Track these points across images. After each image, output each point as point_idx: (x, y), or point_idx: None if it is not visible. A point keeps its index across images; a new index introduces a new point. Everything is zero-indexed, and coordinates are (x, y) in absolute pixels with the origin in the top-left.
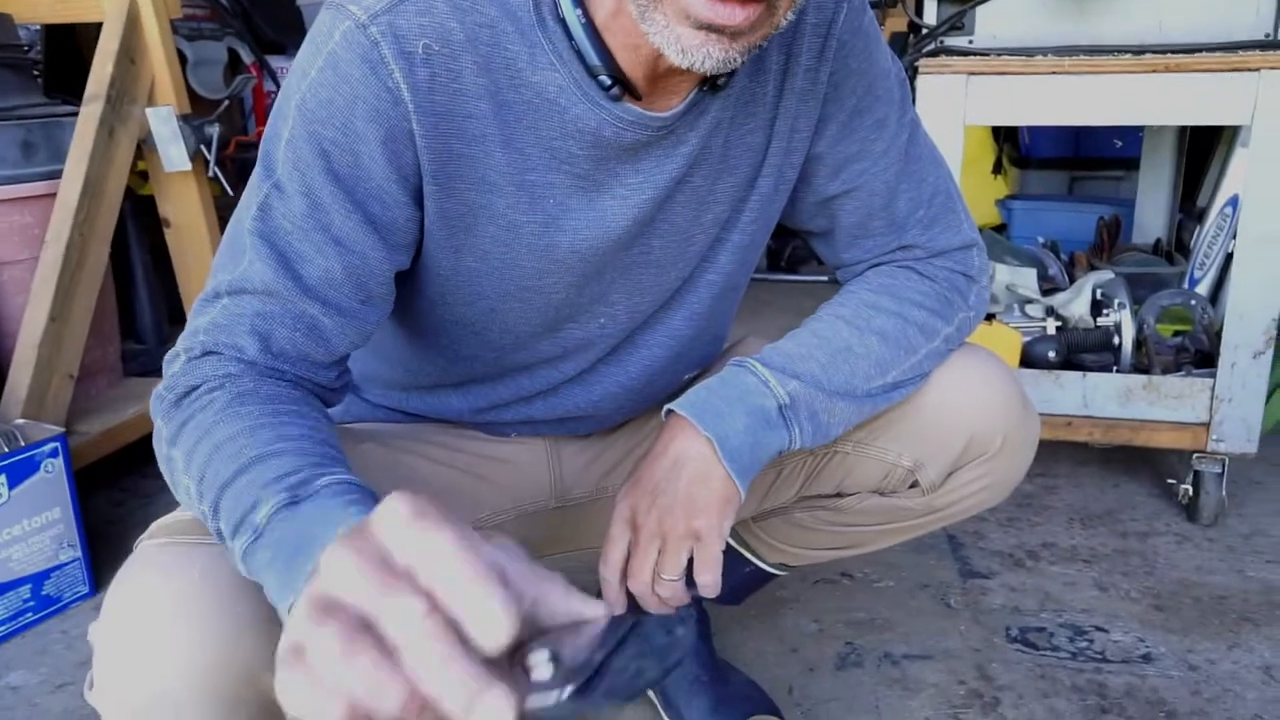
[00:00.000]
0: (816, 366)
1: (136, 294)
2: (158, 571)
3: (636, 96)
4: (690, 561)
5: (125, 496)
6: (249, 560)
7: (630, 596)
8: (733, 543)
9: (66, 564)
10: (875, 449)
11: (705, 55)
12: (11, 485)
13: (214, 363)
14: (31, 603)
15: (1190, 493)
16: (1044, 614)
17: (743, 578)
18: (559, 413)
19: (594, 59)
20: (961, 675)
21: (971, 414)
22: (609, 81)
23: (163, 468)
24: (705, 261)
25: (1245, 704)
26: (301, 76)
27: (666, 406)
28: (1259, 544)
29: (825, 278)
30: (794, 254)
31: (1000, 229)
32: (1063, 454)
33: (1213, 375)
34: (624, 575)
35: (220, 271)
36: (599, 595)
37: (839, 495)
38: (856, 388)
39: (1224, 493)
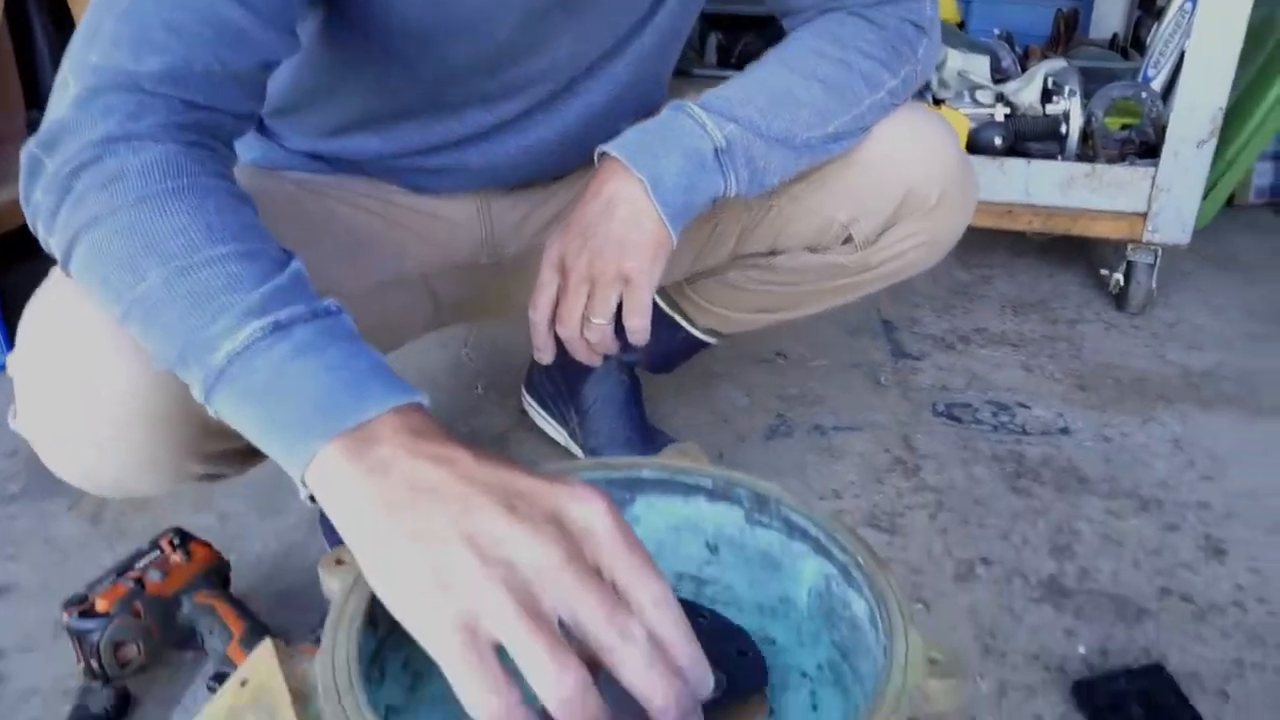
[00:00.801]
0: (755, 111)
1: (38, 59)
2: (75, 295)
3: None
4: (619, 310)
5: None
6: (219, 391)
7: (560, 346)
8: (664, 305)
9: None
10: (811, 203)
11: None
12: None
13: (112, 108)
14: None
15: (1121, 282)
16: (970, 391)
17: (673, 343)
18: (490, 159)
19: None
20: (887, 445)
21: (910, 167)
22: None
23: (58, 253)
24: (652, 9)
25: (1153, 471)
26: None
27: (600, 148)
28: (1182, 331)
29: None
30: (745, 50)
31: (960, 26)
32: (1000, 246)
33: (1155, 165)
34: (552, 320)
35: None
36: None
37: (772, 254)
38: (795, 136)
39: (1154, 283)
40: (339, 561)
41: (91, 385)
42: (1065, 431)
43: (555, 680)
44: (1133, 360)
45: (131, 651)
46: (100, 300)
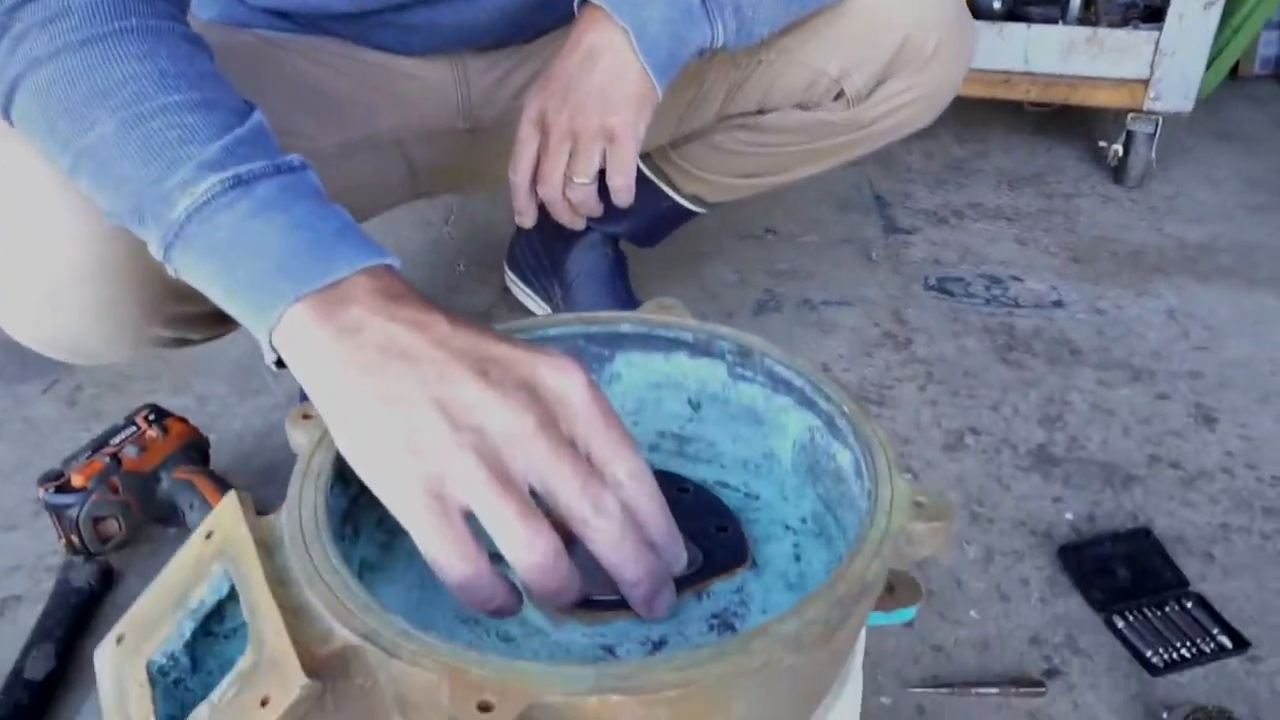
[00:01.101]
0: None
1: None
2: (19, 144)
3: None
4: (603, 173)
5: None
6: (177, 249)
7: (542, 211)
8: (648, 172)
9: None
10: (801, 56)
11: None
12: None
13: None
14: None
15: (1120, 154)
16: (963, 266)
17: (658, 212)
18: (460, 17)
19: None
20: (877, 319)
21: (906, 13)
22: None
23: None
24: None
25: (1146, 342)
26: None
27: None
28: (1180, 204)
29: None
30: None
31: None
32: (996, 120)
33: (1159, 29)
34: (533, 181)
35: None
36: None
37: (761, 113)
38: None
39: (1153, 154)
40: (306, 416)
41: (42, 238)
42: (1058, 304)
43: (526, 545)
44: (1129, 233)
45: (112, 527)
46: (45, 150)
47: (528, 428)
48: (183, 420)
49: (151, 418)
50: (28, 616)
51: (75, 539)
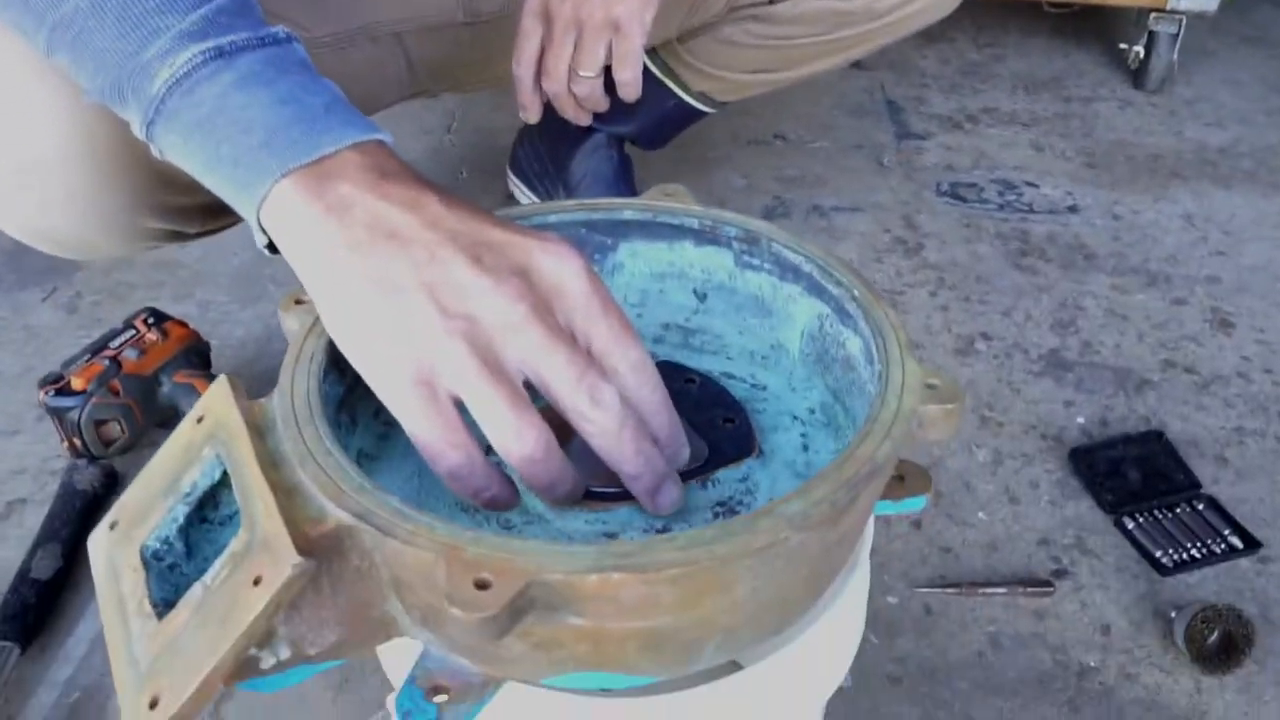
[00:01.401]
0: None
1: None
2: None
3: None
4: (609, 68)
5: None
6: (159, 125)
7: (548, 110)
8: (655, 70)
9: None
10: None
11: None
12: None
13: None
14: None
15: (1140, 56)
16: (977, 171)
17: (665, 111)
18: None
19: None
20: (888, 225)
21: None
22: None
23: None
24: None
25: (1162, 246)
26: None
27: None
28: (1201, 109)
29: None
30: None
31: None
32: (1012, 23)
33: None
34: (538, 75)
35: None
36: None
37: (772, 2)
38: None
39: (1175, 56)
40: (298, 301)
41: (19, 120)
42: (1074, 210)
43: (516, 435)
44: (1148, 138)
45: (114, 430)
46: (19, 25)
47: (520, 316)
48: (183, 324)
49: (150, 321)
50: (33, 519)
51: (78, 442)
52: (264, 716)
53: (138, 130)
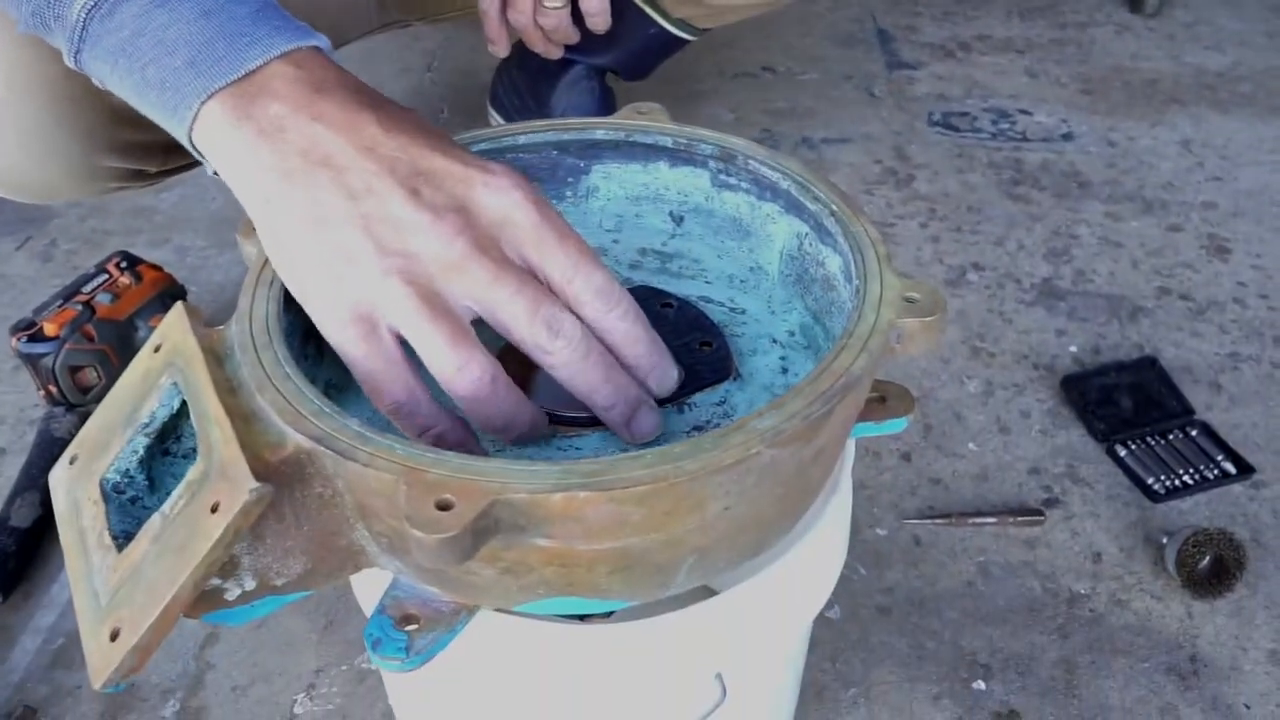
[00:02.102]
0: None
1: None
2: None
3: None
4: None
5: None
6: (86, 53)
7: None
8: None
9: None
10: None
11: None
12: None
13: None
14: None
15: None
16: (969, 100)
17: (645, 40)
18: None
19: None
20: (879, 156)
21: None
22: None
23: None
24: None
25: (1158, 173)
26: None
27: None
28: (1200, 32)
29: None
30: None
31: None
32: None
33: None
34: (504, 6)
35: None
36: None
37: None
38: None
39: None
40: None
41: None
42: (1068, 137)
43: (456, 370)
44: (1145, 62)
45: (90, 376)
46: None
47: (459, 253)
48: (156, 267)
49: (123, 265)
50: (11, 468)
51: (54, 389)
52: (249, 659)
53: (68, 60)
